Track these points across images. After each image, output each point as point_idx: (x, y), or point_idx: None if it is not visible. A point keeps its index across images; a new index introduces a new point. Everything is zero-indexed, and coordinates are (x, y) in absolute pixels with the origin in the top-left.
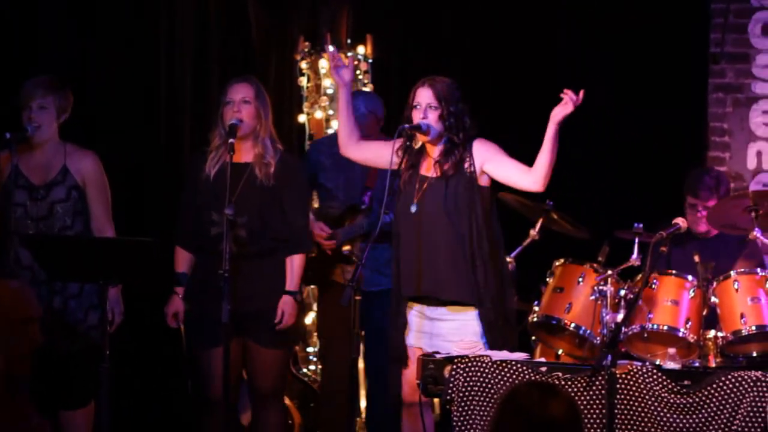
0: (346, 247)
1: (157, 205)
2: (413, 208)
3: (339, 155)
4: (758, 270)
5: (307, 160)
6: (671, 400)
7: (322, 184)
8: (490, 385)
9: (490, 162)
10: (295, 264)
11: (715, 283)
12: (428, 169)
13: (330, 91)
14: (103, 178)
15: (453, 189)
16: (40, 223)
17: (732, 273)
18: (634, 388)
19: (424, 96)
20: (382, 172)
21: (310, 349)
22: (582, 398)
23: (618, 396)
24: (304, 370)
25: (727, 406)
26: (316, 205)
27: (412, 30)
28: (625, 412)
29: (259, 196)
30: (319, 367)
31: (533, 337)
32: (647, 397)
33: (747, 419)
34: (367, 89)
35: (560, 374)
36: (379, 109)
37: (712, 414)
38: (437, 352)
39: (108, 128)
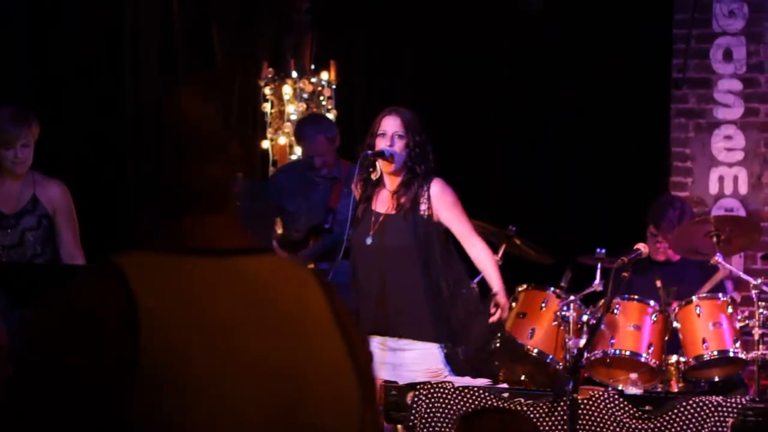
0: (310, 266)
1: (121, 230)
2: (368, 240)
3: (301, 178)
4: (720, 295)
5: (271, 185)
6: (633, 426)
7: (284, 208)
8: (452, 411)
9: (445, 215)
10: None
11: (677, 308)
12: (382, 204)
13: (294, 117)
14: (72, 206)
15: (410, 224)
16: (11, 251)
17: (694, 298)
18: (596, 414)
19: (391, 124)
20: (344, 193)
21: None
22: (544, 424)
23: (580, 421)
24: None
25: (688, 431)
26: (280, 231)
27: (376, 56)
28: None
29: None
30: None
31: (496, 362)
32: (609, 422)
33: None
34: (330, 115)
35: (522, 400)
36: (329, 131)
37: None
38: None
39: (73, 155)
